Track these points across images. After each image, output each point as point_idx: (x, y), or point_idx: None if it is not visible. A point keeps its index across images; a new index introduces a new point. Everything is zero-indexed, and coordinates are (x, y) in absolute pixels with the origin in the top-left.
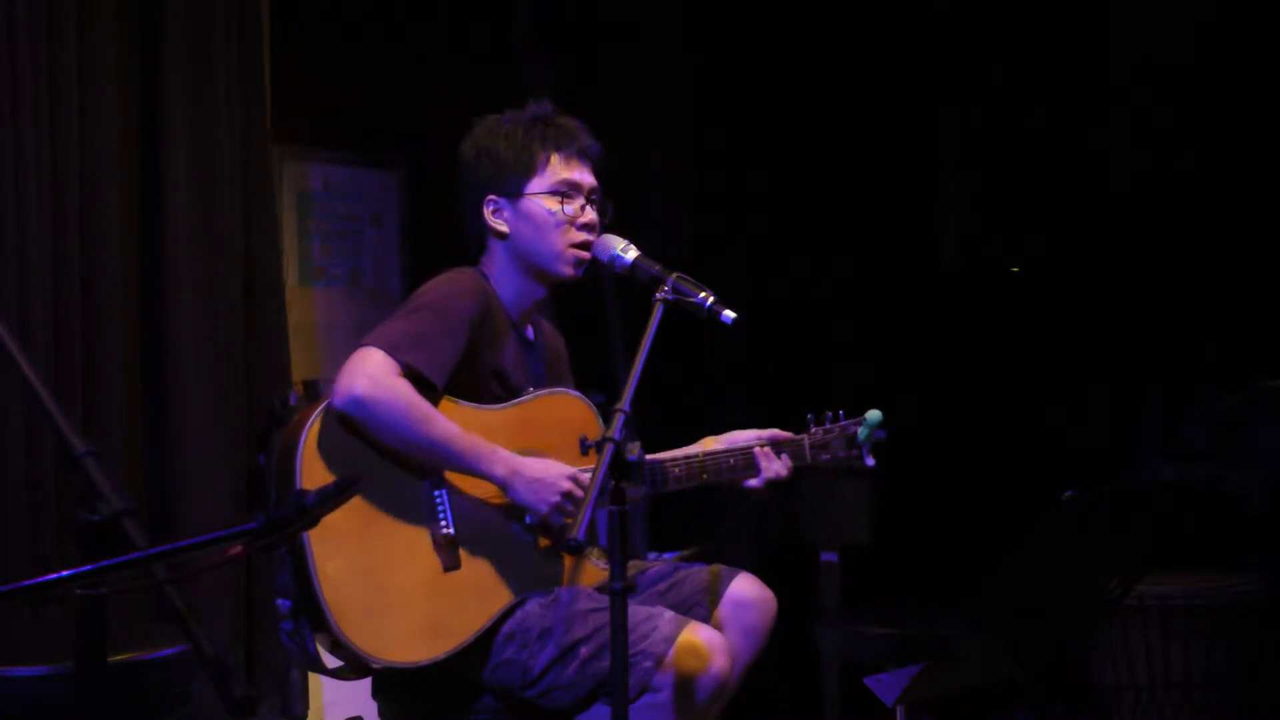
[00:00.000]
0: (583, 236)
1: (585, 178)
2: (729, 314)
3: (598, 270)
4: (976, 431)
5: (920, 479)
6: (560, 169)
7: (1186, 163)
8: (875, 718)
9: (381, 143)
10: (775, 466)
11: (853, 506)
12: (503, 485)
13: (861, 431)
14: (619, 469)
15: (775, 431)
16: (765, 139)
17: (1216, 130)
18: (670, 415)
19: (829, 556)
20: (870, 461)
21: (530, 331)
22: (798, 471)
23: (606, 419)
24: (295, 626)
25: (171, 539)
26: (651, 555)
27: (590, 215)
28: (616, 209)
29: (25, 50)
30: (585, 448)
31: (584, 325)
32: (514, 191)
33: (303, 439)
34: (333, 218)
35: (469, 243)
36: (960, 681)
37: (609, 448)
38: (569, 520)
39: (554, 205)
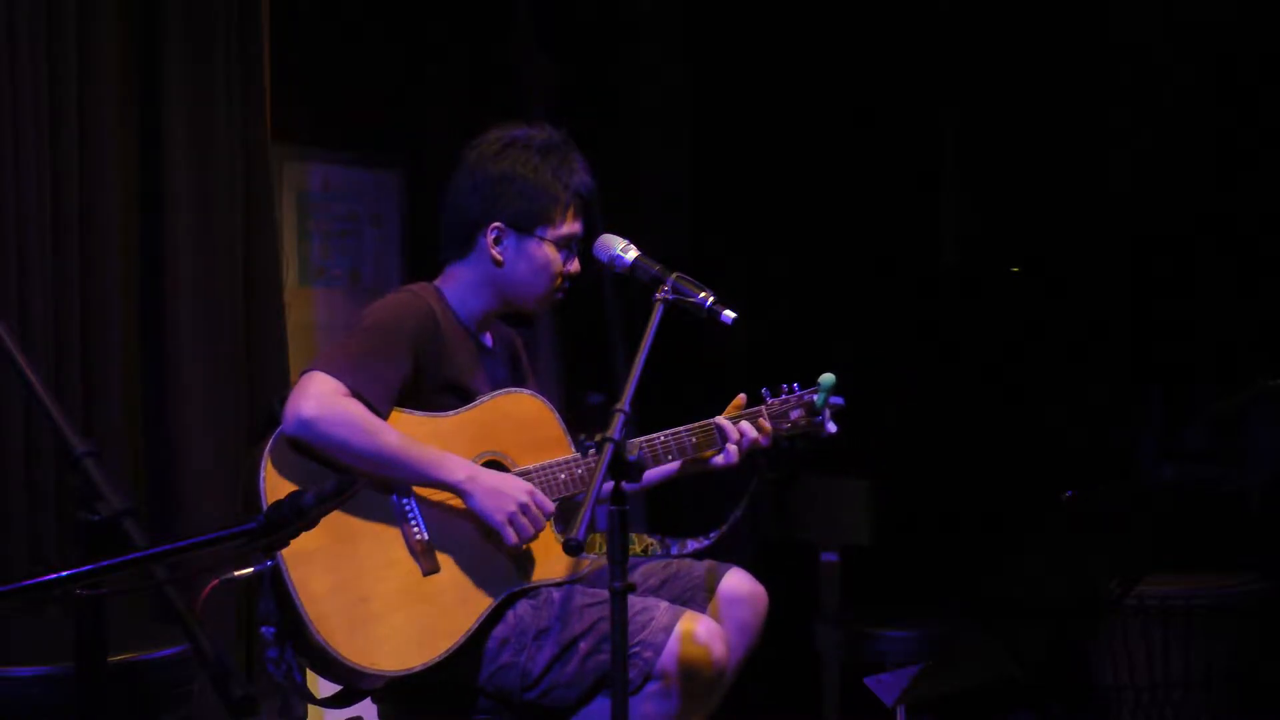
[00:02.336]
0: (564, 284)
1: (580, 227)
2: (729, 314)
3: (598, 270)
4: (977, 431)
5: (920, 479)
6: (570, 222)
7: (1186, 162)
8: (875, 718)
9: (381, 143)
10: (748, 432)
11: (853, 506)
12: (460, 491)
13: (819, 398)
14: (619, 469)
15: (734, 402)
16: (765, 139)
17: (1217, 130)
18: (670, 416)
19: (829, 556)
20: (831, 428)
21: (488, 339)
22: (771, 444)
23: (606, 419)
24: (280, 654)
25: (171, 539)
26: (662, 552)
27: (576, 265)
28: (617, 208)
29: (25, 50)
30: (585, 448)
31: (584, 325)
32: (526, 230)
33: (262, 471)
34: (333, 218)
35: (445, 240)
36: (960, 681)
37: (609, 448)
38: (518, 537)
39: (555, 255)
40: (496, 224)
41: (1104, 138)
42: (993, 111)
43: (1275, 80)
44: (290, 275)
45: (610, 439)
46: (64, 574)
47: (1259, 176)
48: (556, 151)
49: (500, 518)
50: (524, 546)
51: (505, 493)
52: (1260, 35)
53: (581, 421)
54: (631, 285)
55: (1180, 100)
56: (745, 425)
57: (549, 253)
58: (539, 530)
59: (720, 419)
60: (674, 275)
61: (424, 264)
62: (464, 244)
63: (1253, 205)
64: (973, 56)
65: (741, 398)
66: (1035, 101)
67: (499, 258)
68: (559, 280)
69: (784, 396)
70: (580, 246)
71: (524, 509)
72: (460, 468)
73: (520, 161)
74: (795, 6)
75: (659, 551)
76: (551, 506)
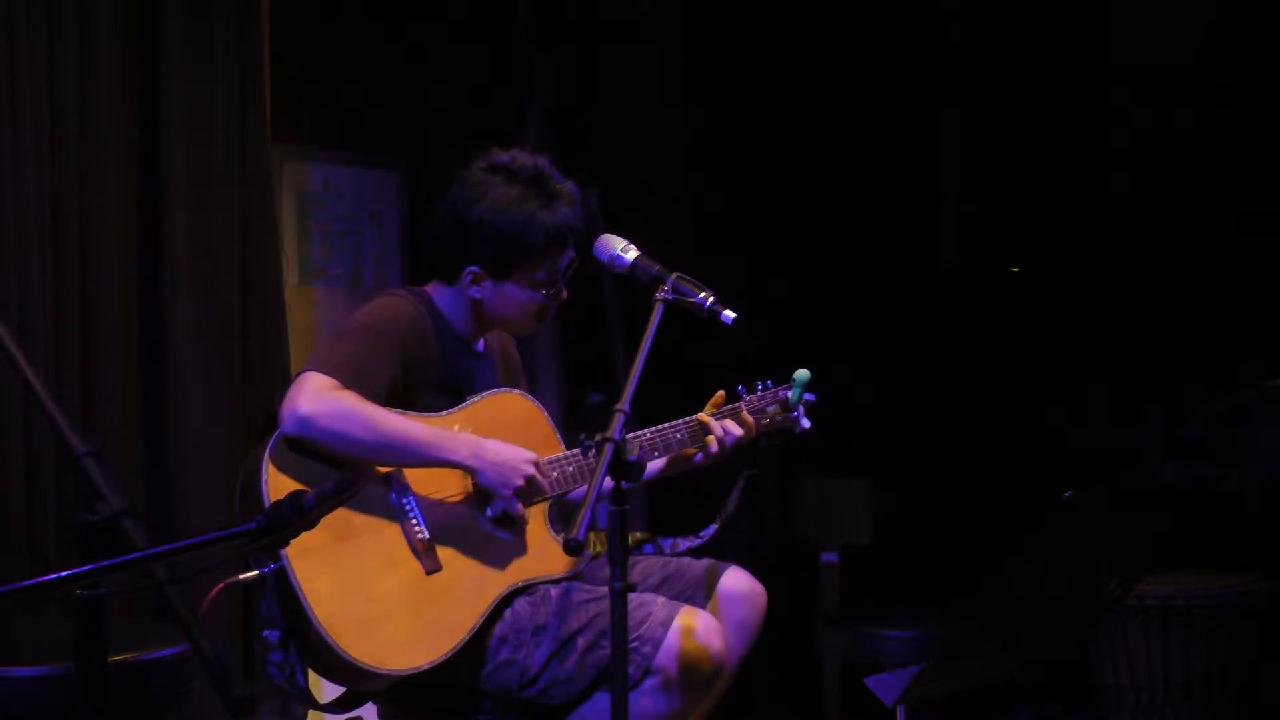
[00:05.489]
0: (549, 311)
1: (567, 260)
2: (729, 314)
3: (598, 270)
4: (977, 431)
5: (920, 479)
6: (550, 264)
7: (1186, 161)
8: (875, 718)
9: (381, 143)
10: (731, 429)
11: (853, 506)
12: (467, 468)
13: (793, 394)
14: (619, 469)
15: (714, 399)
16: (766, 138)
17: (1216, 130)
18: (669, 416)
19: (829, 556)
20: (806, 424)
21: (480, 344)
22: (753, 440)
23: (606, 419)
24: (284, 657)
25: (171, 539)
26: (651, 546)
27: (562, 295)
28: (617, 208)
29: (25, 50)
30: (585, 448)
31: (584, 325)
32: (501, 276)
33: (263, 472)
34: (333, 218)
35: (430, 263)
36: (960, 681)
37: (609, 448)
38: (527, 507)
39: (533, 294)
40: (472, 269)
41: (1104, 137)
42: (993, 111)
43: (1275, 79)
44: (290, 275)
45: (610, 439)
46: (64, 574)
47: (1260, 175)
48: (538, 188)
49: (509, 491)
50: (522, 544)
51: (514, 465)
52: (1261, 34)
53: (581, 421)
54: (631, 285)
55: (1180, 100)
56: (729, 421)
57: (527, 295)
58: (541, 502)
59: (703, 415)
60: (674, 275)
61: (424, 264)
62: (447, 275)
63: (1253, 204)
64: (973, 56)
65: (720, 394)
66: (1035, 101)
67: (477, 297)
68: (543, 314)
69: (760, 393)
70: (578, 263)
71: (530, 481)
72: (463, 444)
73: (497, 208)
74: (795, 7)
75: (649, 545)
76: (547, 486)
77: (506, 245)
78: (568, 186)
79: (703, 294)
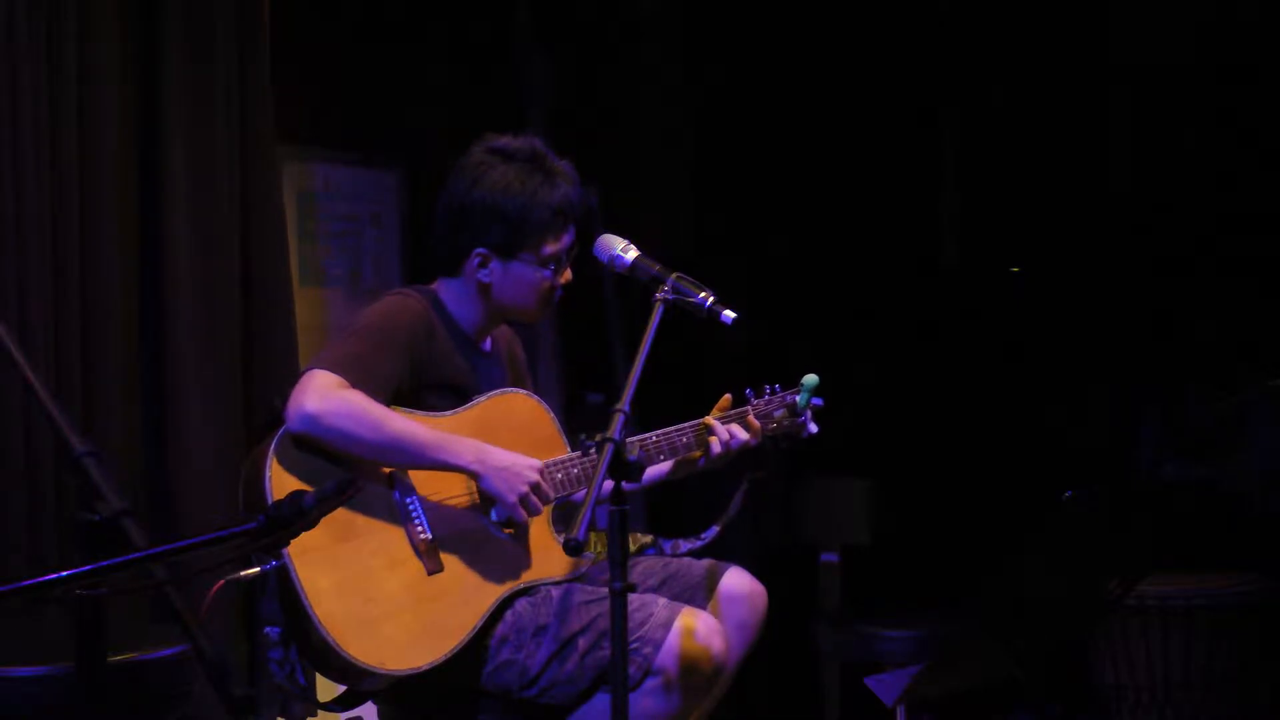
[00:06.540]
0: (557, 293)
1: (570, 238)
2: (729, 314)
3: (598, 270)
4: (976, 431)
5: (920, 479)
6: (555, 241)
7: (1186, 161)
8: (875, 718)
9: (381, 143)
10: (737, 433)
11: (853, 506)
12: (471, 473)
13: (800, 399)
14: (619, 469)
15: (720, 402)
16: (767, 138)
17: (1216, 130)
18: (669, 416)
19: (829, 556)
20: (813, 428)
21: (487, 343)
22: (759, 444)
23: (606, 419)
24: (285, 654)
25: (171, 539)
26: (652, 549)
27: (568, 275)
28: (617, 207)
29: (25, 50)
30: (585, 448)
31: (584, 325)
32: (508, 255)
33: (267, 471)
34: (333, 218)
35: (434, 257)
36: (960, 681)
37: (609, 448)
38: (532, 514)
39: (542, 273)
40: (480, 250)
41: (1104, 137)
42: (993, 111)
43: (1276, 80)
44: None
45: (610, 439)
46: (64, 574)
47: (1259, 175)
48: (537, 166)
49: (513, 498)
50: (524, 545)
51: (517, 472)
52: (1261, 35)
53: (581, 421)
54: (631, 285)
55: (1181, 100)
56: (734, 426)
57: (535, 273)
58: (544, 507)
59: (710, 419)
60: (674, 275)
61: (424, 264)
62: (452, 266)
63: (1253, 204)
64: (973, 56)
65: (727, 398)
66: (1035, 101)
67: (485, 281)
68: (550, 295)
69: (767, 396)
70: (578, 248)
71: (535, 488)
72: (468, 449)
73: (499, 188)
74: (796, 7)
75: (651, 548)
76: (552, 493)
77: (512, 222)
78: (564, 164)
79: (703, 294)
